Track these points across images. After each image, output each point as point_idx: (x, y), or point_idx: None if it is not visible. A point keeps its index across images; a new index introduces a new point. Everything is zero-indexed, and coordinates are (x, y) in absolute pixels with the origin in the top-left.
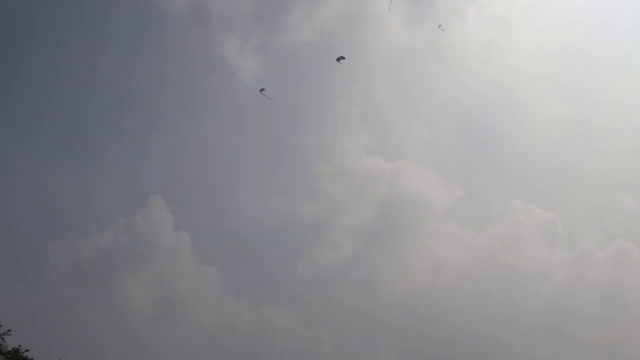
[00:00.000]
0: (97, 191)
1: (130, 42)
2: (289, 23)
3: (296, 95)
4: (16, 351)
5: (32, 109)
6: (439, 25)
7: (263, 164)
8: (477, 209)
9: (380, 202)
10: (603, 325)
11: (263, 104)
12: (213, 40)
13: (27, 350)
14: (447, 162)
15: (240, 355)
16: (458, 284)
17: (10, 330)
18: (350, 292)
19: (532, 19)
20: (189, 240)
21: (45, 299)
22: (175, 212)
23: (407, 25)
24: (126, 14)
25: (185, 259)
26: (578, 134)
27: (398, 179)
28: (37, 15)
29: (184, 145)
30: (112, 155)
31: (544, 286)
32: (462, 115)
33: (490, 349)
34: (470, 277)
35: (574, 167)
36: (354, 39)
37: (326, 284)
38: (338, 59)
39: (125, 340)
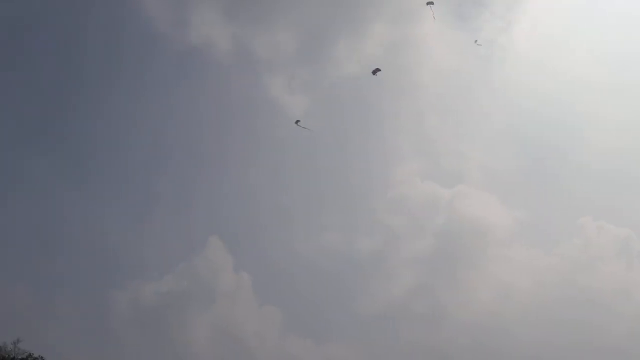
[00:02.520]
0: (156, 236)
1: (174, 88)
2: (333, 58)
3: (346, 128)
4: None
5: (86, 156)
6: (476, 41)
7: (318, 200)
8: (543, 230)
9: (440, 231)
10: None
11: (314, 140)
12: (259, 83)
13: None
14: (507, 184)
15: None
16: (528, 311)
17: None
18: (413, 325)
19: (583, 28)
20: (250, 280)
21: (109, 345)
22: (235, 253)
23: (452, 48)
24: (171, 61)
25: (246, 299)
26: None
27: (457, 205)
28: (83, 65)
29: (238, 185)
30: (166, 199)
31: (625, 307)
32: (517, 135)
33: None
34: (541, 302)
35: None
36: (400, 67)
37: (388, 318)
38: (374, 72)
39: None
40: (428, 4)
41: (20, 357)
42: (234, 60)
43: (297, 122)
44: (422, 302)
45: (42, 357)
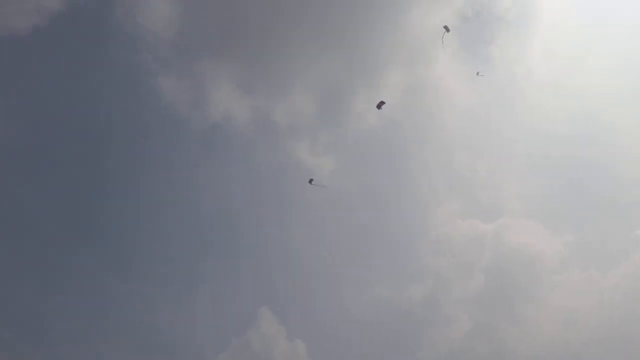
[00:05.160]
0: (205, 316)
1: (201, 166)
2: (353, 112)
3: (376, 179)
4: None
5: (125, 244)
6: (477, 73)
7: (360, 255)
8: (596, 249)
9: (488, 266)
10: None
11: (346, 196)
12: (283, 148)
13: None
14: (548, 209)
15: None
16: (595, 334)
17: None
18: None
19: (596, 42)
20: (304, 347)
21: None
22: (286, 322)
23: (468, 85)
24: (194, 141)
25: None
26: None
27: (501, 239)
28: (110, 158)
29: (279, 253)
30: (211, 277)
31: None
32: (549, 157)
33: None
34: (607, 323)
35: None
36: (419, 111)
37: None
38: (378, 106)
39: None
40: (444, 28)
41: None
42: (256, 130)
43: (311, 180)
44: (483, 342)
45: None
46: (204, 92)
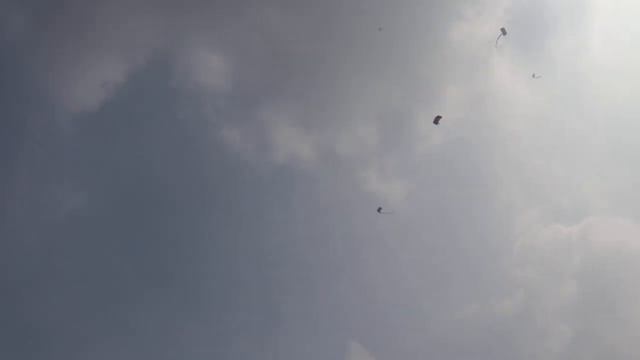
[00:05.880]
0: (295, 357)
1: (272, 209)
2: (417, 134)
3: (450, 198)
4: None
5: (202, 291)
6: (533, 75)
7: (442, 277)
8: None
9: (580, 271)
10: None
11: (422, 219)
12: (352, 181)
13: None
14: (636, 203)
15: None
16: None
17: None
18: None
19: None
20: None
21: None
22: (376, 353)
23: (529, 87)
24: (262, 185)
25: None
26: None
27: (589, 239)
28: (182, 211)
29: (361, 286)
30: (290, 317)
31: None
32: (627, 147)
33: None
34: None
35: None
36: (484, 123)
37: None
38: (435, 121)
39: None
40: (501, 30)
41: None
42: (321, 166)
43: (379, 209)
44: (588, 351)
45: None
46: (267, 136)
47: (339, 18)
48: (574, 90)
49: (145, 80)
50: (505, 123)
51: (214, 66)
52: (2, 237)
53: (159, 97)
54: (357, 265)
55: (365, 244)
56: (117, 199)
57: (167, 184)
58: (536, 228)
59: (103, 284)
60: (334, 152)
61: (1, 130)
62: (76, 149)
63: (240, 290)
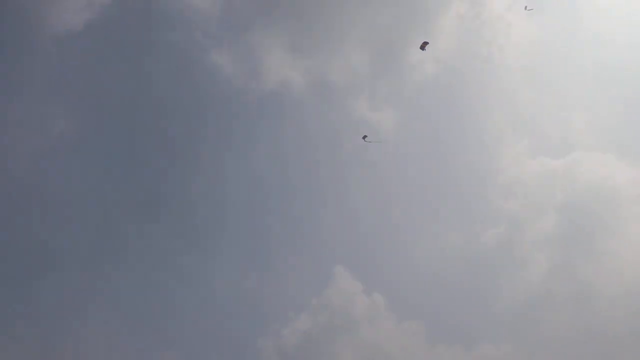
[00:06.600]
0: (285, 281)
1: (261, 135)
2: (409, 63)
3: (439, 128)
4: None
5: (192, 217)
6: (525, 7)
7: (430, 205)
8: None
9: (563, 204)
10: None
11: (411, 147)
12: (342, 107)
13: None
14: (622, 139)
15: None
16: None
17: None
18: (559, 309)
19: None
20: (382, 300)
21: None
22: (361, 278)
23: (526, 19)
24: (252, 110)
25: (384, 319)
26: None
27: (574, 174)
28: (175, 135)
29: (347, 212)
30: (283, 241)
31: None
32: (619, 87)
33: None
34: None
35: None
36: (477, 53)
37: (531, 307)
38: (422, 47)
39: None
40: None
41: None
42: (313, 92)
43: (364, 137)
44: (564, 284)
45: None
46: (258, 61)
47: None
48: (570, 26)
49: (132, 2)
50: (499, 54)
51: None
52: None
53: (147, 18)
54: (344, 192)
55: (353, 172)
56: (104, 123)
57: (155, 107)
58: (523, 160)
59: (95, 208)
60: (325, 79)
61: None
62: (61, 71)
63: (231, 214)
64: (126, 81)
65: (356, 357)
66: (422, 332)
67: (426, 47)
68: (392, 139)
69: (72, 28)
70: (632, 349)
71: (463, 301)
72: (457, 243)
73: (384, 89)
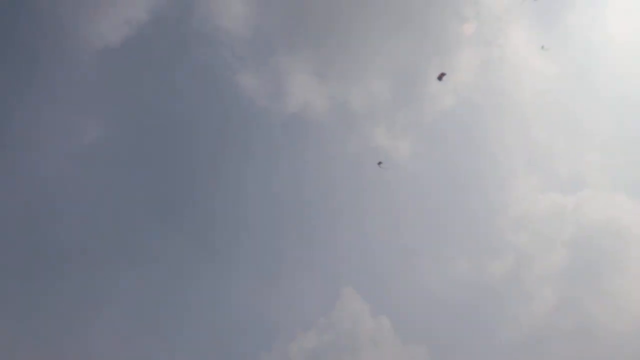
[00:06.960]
0: (294, 298)
1: (281, 156)
2: (428, 94)
3: (454, 159)
4: None
5: (211, 230)
6: (542, 47)
7: (439, 234)
8: None
9: (571, 240)
10: None
11: (424, 177)
12: (361, 134)
13: None
14: (633, 179)
15: None
16: None
17: None
18: (562, 343)
19: None
20: (389, 322)
21: None
22: (369, 300)
23: (543, 58)
24: (274, 132)
25: (389, 342)
26: None
27: (584, 211)
28: (199, 154)
29: (360, 235)
30: (293, 258)
31: None
32: (633, 127)
33: None
34: None
35: None
36: (495, 88)
37: (535, 339)
38: (439, 77)
39: None
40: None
41: None
42: (333, 117)
43: (379, 163)
44: (569, 318)
45: None
46: (282, 83)
47: None
48: (586, 65)
49: (167, 20)
50: (516, 90)
51: (235, 10)
52: (27, 165)
53: (179, 37)
54: (359, 216)
55: (368, 196)
56: (134, 134)
57: (183, 122)
58: (534, 195)
59: (120, 213)
60: (346, 105)
61: (29, 65)
62: (98, 83)
63: (247, 229)
64: (157, 95)
65: None
66: (426, 356)
67: (443, 78)
68: (407, 167)
69: (110, 44)
70: None
71: (468, 329)
72: (465, 271)
73: (402, 117)
